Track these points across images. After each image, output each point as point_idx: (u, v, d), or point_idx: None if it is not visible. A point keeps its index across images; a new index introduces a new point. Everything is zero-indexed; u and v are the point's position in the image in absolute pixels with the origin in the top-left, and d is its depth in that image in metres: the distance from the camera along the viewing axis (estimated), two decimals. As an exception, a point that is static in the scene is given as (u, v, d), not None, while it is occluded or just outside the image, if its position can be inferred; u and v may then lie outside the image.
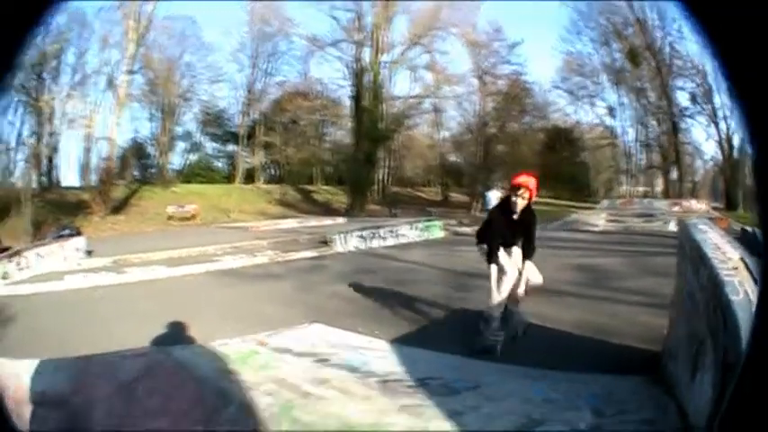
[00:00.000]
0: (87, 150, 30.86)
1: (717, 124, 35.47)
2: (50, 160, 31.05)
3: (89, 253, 16.03)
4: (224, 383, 3.57)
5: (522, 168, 33.64)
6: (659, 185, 39.18)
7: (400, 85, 35.19)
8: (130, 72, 30.32)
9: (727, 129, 35.12)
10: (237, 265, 13.57)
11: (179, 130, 36.32)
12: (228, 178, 36.02)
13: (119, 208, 28.26)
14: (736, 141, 34.04)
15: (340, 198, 32.15)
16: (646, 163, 40.12)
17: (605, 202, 31.08)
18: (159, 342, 5.81)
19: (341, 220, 25.09)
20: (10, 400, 2.71)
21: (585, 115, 42.58)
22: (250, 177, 35.41)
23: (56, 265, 14.21)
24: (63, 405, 3.06)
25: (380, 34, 32.48)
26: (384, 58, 33.09)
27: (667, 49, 35.55)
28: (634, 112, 39.02)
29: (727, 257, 2.78)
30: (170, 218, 27.83)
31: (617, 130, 40.29)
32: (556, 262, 11.18)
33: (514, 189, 5.63)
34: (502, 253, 5.73)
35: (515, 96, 38.20)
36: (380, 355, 4.39)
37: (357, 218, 25.91)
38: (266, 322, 6.48)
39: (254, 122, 35.50)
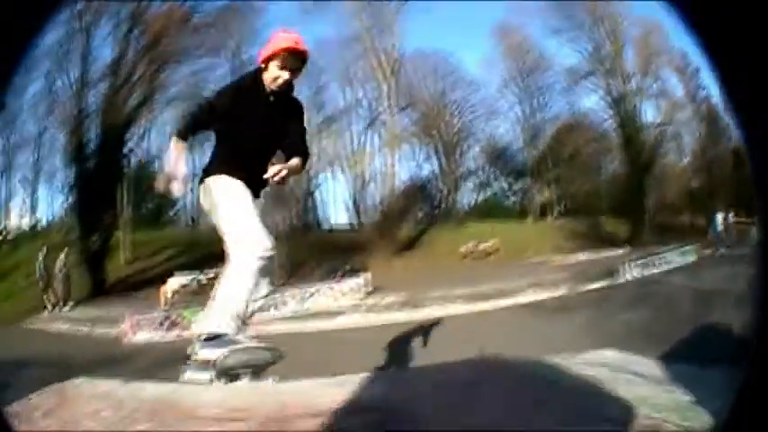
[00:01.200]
0: (358, 190, 30.47)
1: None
2: (306, 200, 29.93)
3: (373, 291, 15.30)
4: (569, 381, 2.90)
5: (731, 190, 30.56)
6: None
7: (650, 114, 34.09)
8: (393, 111, 29.60)
9: None
10: (537, 299, 13.52)
11: (464, 168, 34.65)
12: (521, 214, 34.62)
13: (405, 247, 27.14)
14: None
15: (622, 228, 30.49)
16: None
17: None
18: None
19: (623, 250, 24.44)
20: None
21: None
22: (543, 212, 33.88)
23: (329, 304, 14.27)
24: (381, 410, 2.46)
25: (620, 63, 31.56)
26: (630, 86, 31.94)
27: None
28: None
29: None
30: (466, 256, 26.14)
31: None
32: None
33: (282, 56, 3.38)
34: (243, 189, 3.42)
35: (713, 118, 34.39)
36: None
37: (637, 247, 24.83)
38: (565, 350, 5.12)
39: (539, 157, 34.07)
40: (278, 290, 14.30)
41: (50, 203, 26.44)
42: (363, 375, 2.97)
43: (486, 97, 34.55)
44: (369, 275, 16.29)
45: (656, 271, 17.26)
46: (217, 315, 3.17)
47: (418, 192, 33.43)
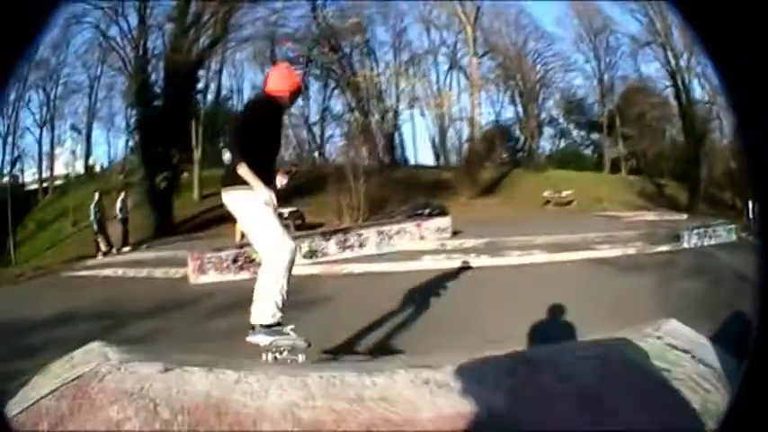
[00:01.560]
0: (442, 130, 31.21)
1: None
2: (390, 138, 30.65)
3: (455, 234, 15.13)
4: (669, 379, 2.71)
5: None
6: None
7: (698, 92, 34.24)
8: (476, 55, 30.05)
9: None
10: (612, 255, 13.28)
11: (544, 115, 36.02)
12: (598, 165, 35.66)
13: (488, 190, 27.48)
14: None
15: (682, 195, 31.58)
16: None
17: None
18: (537, 334, 5.42)
19: (683, 216, 24.39)
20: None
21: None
22: (615, 167, 34.82)
23: (409, 245, 13.96)
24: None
25: (669, 41, 31.81)
26: (680, 64, 32.19)
27: None
28: None
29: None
30: (546, 203, 26.84)
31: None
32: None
33: (299, 89, 4.64)
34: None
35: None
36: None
37: (693, 215, 24.91)
38: (633, 317, 5.20)
39: (611, 113, 34.61)
40: (358, 229, 14.47)
41: (108, 147, 26.67)
42: (463, 368, 2.69)
43: (562, 50, 35.21)
44: (449, 218, 16.07)
45: (708, 243, 16.98)
46: (269, 308, 4.00)
47: (500, 135, 33.71)
